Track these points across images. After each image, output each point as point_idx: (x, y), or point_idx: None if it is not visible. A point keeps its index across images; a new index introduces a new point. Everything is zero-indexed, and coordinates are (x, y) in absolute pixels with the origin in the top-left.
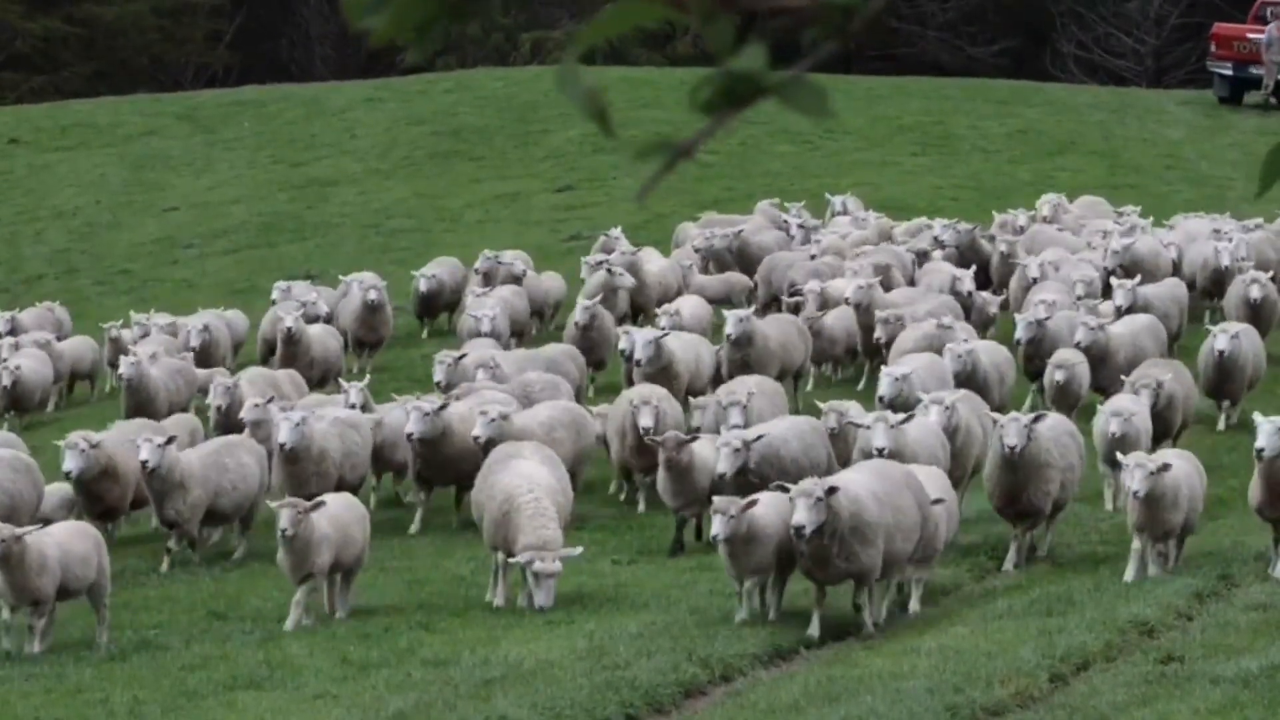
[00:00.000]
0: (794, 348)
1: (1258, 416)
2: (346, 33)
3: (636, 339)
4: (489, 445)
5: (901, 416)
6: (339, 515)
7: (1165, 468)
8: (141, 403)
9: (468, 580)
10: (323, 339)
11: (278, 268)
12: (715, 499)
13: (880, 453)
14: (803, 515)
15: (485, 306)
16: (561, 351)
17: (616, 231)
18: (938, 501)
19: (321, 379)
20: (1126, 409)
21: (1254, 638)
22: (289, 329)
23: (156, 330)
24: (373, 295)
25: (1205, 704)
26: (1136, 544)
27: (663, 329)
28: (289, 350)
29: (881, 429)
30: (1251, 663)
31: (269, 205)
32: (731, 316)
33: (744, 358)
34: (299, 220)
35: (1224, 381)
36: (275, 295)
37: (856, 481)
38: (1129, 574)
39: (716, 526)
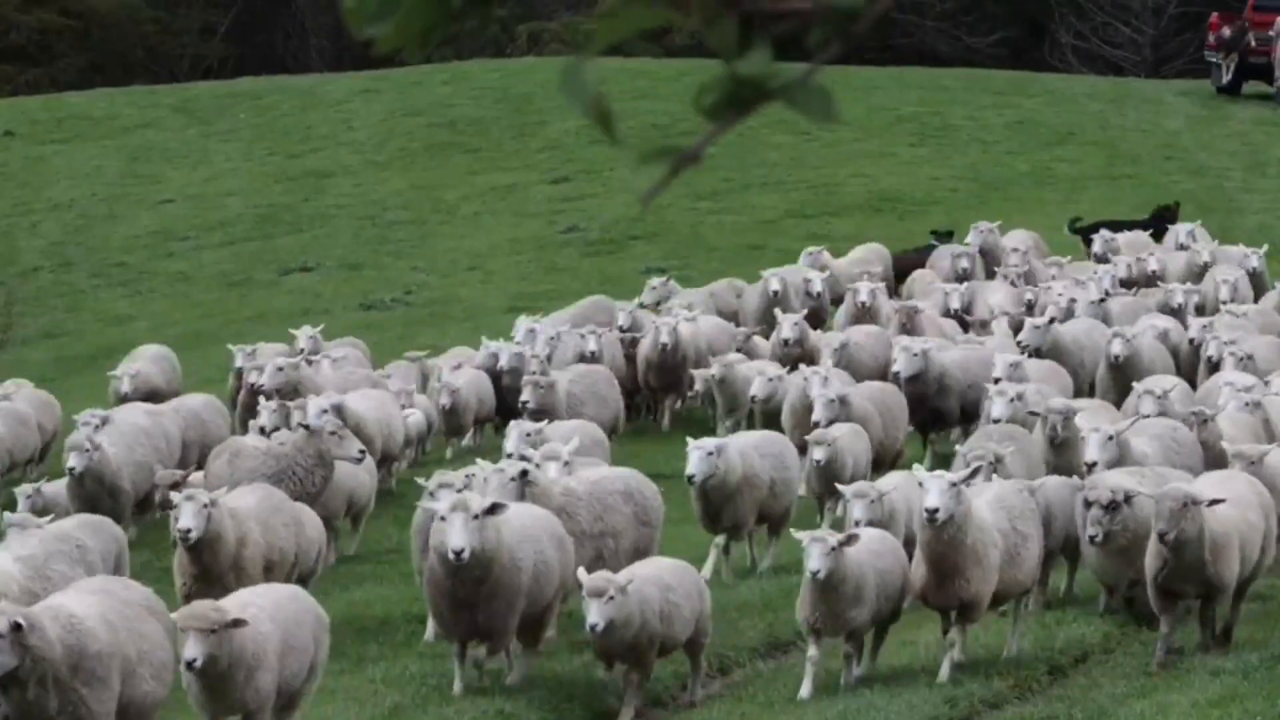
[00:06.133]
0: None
1: (920, 470)
2: (342, 24)
3: (309, 404)
4: None
5: (488, 503)
6: None
7: (851, 540)
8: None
9: None
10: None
11: (274, 260)
12: None
13: (458, 556)
14: None
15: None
16: (206, 404)
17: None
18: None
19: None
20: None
21: (1253, 629)
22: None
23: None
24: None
25: (1204, 696)
26: (813, 651)
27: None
28: None
29: (459, 521)
30: (1251, 654)
31: (265, 197)
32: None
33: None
34: (295, 212)
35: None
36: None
37: (79, 603)
38: (804, 689)
39: None
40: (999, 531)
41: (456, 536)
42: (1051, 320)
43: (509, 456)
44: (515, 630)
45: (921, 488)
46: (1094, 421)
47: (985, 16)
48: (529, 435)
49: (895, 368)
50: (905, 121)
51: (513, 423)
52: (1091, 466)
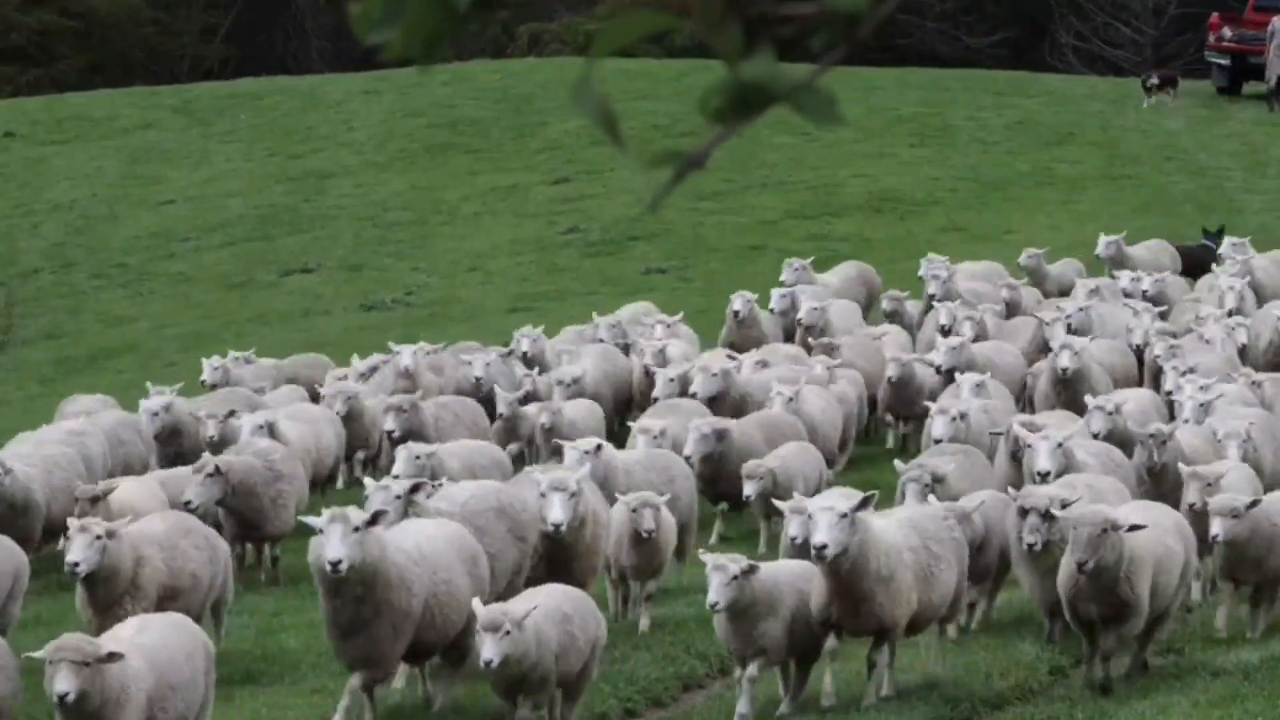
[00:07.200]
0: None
1: (807, 501)
2: (342, 25)
3: (244, 423)
4: None
5: (368, 515)
6: None
7: (751, 570)
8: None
9: None
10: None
11: (274, 261)
12: None
13: (335, 567)
14: None
15: None
16: (121, 422)
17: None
18: None
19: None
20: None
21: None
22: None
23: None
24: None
25: (1205, 696)
26: (752, 670)
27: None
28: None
29: (337, 532)
30: (1252, 655)
31: (265, 198)
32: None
33: None
34: (295, 213)
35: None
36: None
37: None
38: (742, 707)
39: None
40: (909, 549)
41: (333, 547)
42: (978, 337)
43: (395, 478)
44: (399, 658)
45: (810, 520)
46: (1053, 431)
47: (985, 17)
48: (419, 458)
49: (692, 389)
50: (905, 122)
51: (401, 446)
52: (1044, 476)
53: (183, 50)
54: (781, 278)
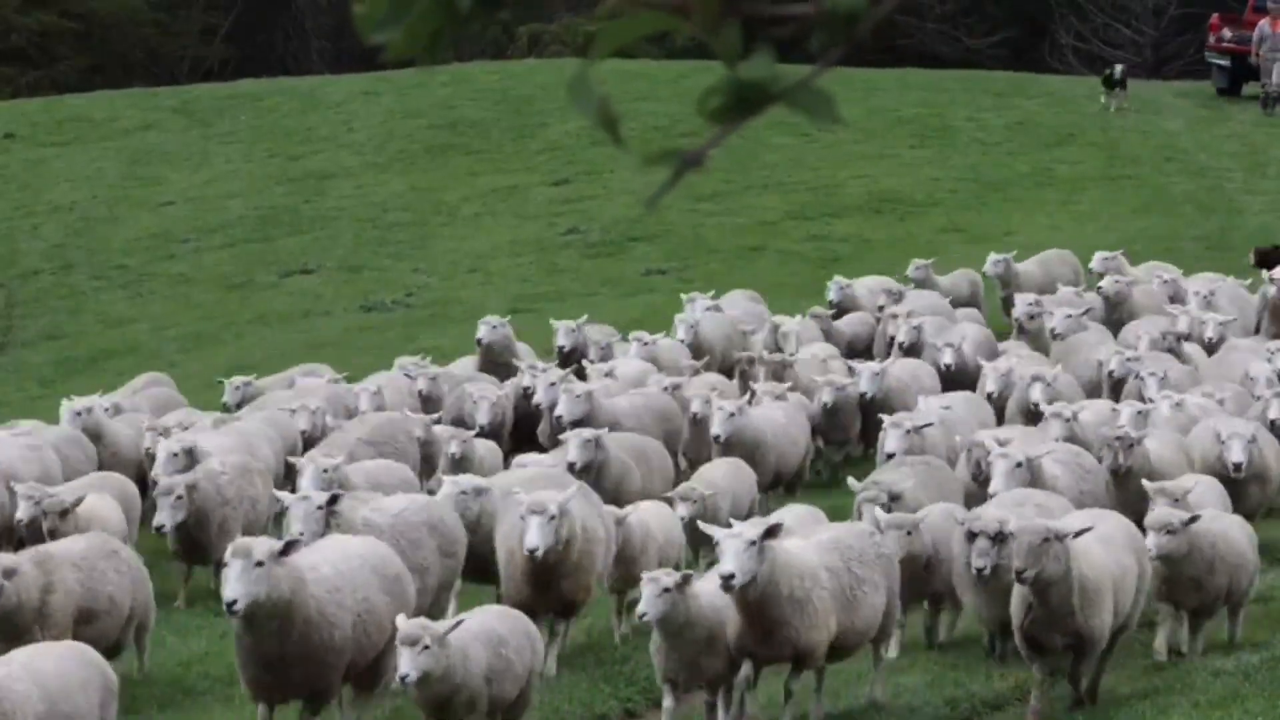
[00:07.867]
0: None
1: (714, 530)
2: (342, 26)
3: (159, 449)
4: None
5: (279, 545)
6: None
7: (685, 581)
8: None
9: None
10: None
11: (275, 262)
12: None
13: (230, 608)
14: None
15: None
16: (62, 437)
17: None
18: None
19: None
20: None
21: (1254, 630)
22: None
23: None
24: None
25: (1206, 697)
26: (668, 701)
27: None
28: None
29: (237, 568)
30: (1252, 656)
31: (266, 199)
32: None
33: None
34: (296, 214)
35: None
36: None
37: None
38: None
39: None
40: (828, 570)
41: (230, 586)
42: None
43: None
44: (340, 684)
45: (717, 548)
46: (1019, 448)
47: (985, 17)
48: (325, 472)
49: (558, 410)
50: (905, 123)
51: (307, 458)
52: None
53: (183, 51)
54: (685, 312)
